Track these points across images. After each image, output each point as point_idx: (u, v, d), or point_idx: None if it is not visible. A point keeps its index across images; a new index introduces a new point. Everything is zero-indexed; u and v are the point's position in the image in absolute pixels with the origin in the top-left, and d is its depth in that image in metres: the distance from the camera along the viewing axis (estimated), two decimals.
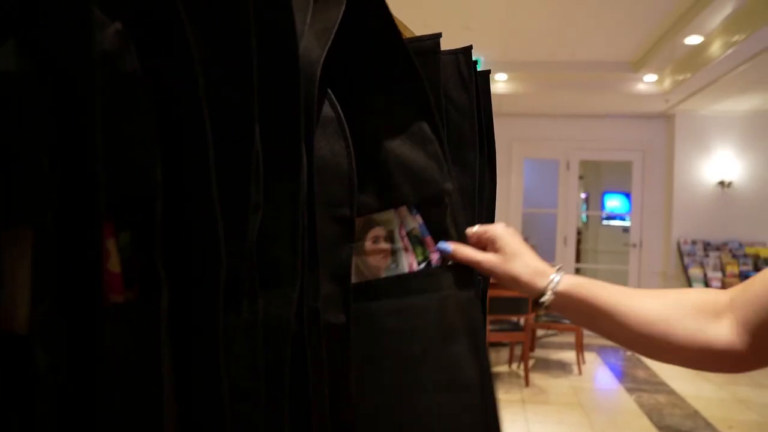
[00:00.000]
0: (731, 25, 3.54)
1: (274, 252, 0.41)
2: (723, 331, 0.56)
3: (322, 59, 0.47)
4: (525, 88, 4.90)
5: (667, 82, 4.65)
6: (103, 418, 0.31)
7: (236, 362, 0.40)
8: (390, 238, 0.62)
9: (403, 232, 0.63)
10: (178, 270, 0.36)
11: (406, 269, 0.62)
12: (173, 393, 0.36)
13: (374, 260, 0.61)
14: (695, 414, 3.41)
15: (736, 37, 3.54)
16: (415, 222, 0.63)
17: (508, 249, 0.64)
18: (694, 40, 3.79)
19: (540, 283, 0.63)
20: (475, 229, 0.66)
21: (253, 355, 0.41)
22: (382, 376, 0.60)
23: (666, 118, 5.60)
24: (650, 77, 4.59)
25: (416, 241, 0.63)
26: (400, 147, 0.61)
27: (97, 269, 0.30)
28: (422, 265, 0.63)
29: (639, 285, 5.71)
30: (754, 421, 3.39)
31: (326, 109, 0.52)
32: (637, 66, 4.47)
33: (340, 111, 0.52)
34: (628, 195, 6.74)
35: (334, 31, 0.49)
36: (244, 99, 0.40)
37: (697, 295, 0.59)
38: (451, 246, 0.63)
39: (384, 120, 0.62)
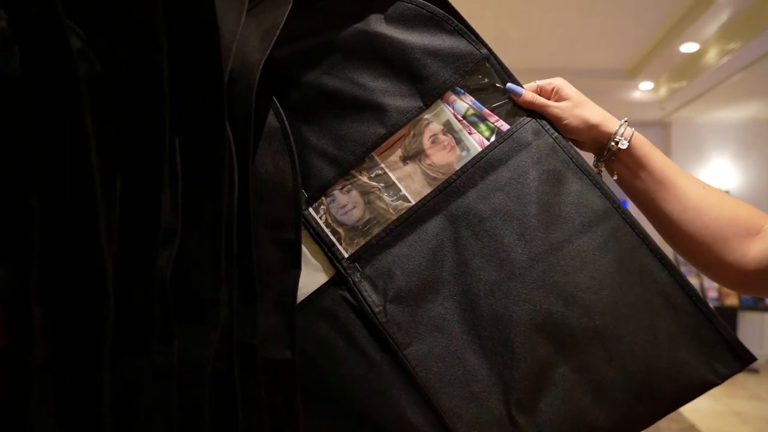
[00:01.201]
0: (727, 32, 3.50)
1: (193, 284, 0.36)
2: (746, 251, 0.58)
3: (262, 63, 0.42)
4: None
5: (663, 90, 4.60)
6: None
7: (146, 409, 0.34)
8: (448, 129, 0.61)
9: (459, 117, 0.61)
10: (61, 309, 0.31)
11: (479, 149, 0.60)
12: None
13: (441, 158, 0.60)
14: (691, 428, 3.35)
15: (732, 45, 3.51)
16: (467, 101, 0.61)
17: (575, 96, 0.64)
18: (690, 47, 3.75)
19: (610, 125, 0.62)
20: (537, 83, 0.65)
21: (165, 401, 0.35)
22: (517, 255, 0.57)
23: (662, 126, 5.55)
24: (646, 85, 4.53)
25: (476, 120, 0.61)
26: (419, 39, 0.60)
27: None
28: (493, 138, 0.61)
29: None
30: None
31: (271, 119, 0.47)
32: (633, 73, 4.42)
33: (286, 121, 0.47)
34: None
35: (278, 32, 0.44)
36: (152, 105, 0.34)
37: (738, 208, 0.61)
38: (521, 89, 0.62)
39: (393, 23, 0.60)
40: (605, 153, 0.63)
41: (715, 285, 5.17)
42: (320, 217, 0.59)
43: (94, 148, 0.31)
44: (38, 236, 0.30)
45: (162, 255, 0.35)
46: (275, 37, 0.44)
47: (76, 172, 0.31)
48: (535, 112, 0.62)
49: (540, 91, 0.64)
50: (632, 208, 0.69)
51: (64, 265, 0.31)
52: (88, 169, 0.31)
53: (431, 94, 0.60)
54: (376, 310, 0.58)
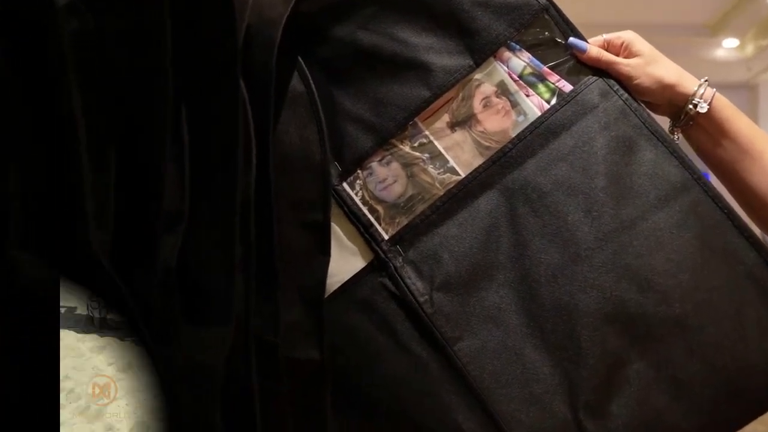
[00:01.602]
0: None
1: (202, 277, 0.31)
2: None
3: (285, 18, 0.36)
4: None
5: (750, 48, 4.32)
6: None
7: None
8: (502, 90, 0.56)
9: (515, 77, 0.57)
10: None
11: (538, 113, 0.56)
12: None
13: (495, 124, 0.56)
14: None
15: None
16: (523, 59, 0.57)
17: (648, 52, 0.59)
18: None
19: (688, 85, 0.58)
20: (603, 36, 0.60)
21: (170, 404, 0.31)
22: (584, 235, 0.53)
23: (748, 89, 5.18)
24: (730, 42, 4.27)
25: (534, 80, 0.57)
26: None
27: None
28: (554, 100, 0.56)
29: None
30: None
31: (295, 83, 0.42)
32: (716, 30, 4.16)
33: (313, 84, 0.42)
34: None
35: None
36: (153, 66, 0.29)
37: None
38: (585, 44, 0.57)
39: None
40: (682, 117, 0.59)
41: None
42: (356, 194, 0.55)
43: (79, 108, 0.26)
44: (20, 219, 0.27)
45: (166, 242, 0.30)
46: None
47: (62, 151, 0.27)
48: (601, 70, 0.57)
49: (607, 47, 0.59)
50: (713, 180, 0.63)
51: (53, 250, 0.28)
52: (72, 132, 0.26)
53: (482, 51, 0.55)
54: (422, 299, 0.54)
